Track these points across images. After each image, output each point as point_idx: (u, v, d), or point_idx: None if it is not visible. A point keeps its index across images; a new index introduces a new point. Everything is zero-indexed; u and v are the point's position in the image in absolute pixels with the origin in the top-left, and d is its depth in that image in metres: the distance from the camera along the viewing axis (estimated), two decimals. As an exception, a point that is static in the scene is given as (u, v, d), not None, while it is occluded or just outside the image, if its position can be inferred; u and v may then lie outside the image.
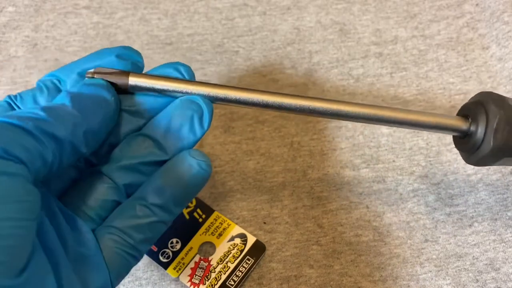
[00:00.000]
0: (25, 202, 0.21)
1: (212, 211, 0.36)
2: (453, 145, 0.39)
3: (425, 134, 0.40)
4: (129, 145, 0.28)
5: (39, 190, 0.22)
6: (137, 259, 0.27)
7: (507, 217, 0.37)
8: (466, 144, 0.30)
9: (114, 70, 0.27)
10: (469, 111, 0.30)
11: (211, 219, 0.36)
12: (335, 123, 0.40)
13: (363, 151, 0.39)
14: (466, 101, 0.41)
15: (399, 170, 0.39)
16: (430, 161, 0.39)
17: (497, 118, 0.29)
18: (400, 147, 0.40)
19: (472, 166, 0.39)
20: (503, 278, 0.34)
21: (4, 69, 0.42)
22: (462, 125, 0.30)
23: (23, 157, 0.21)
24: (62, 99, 0.25)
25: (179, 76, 0.28)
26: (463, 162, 0.39)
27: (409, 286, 0.34)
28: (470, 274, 0.35)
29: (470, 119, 0.30)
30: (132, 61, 0.29)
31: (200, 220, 0.36)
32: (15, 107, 0.28)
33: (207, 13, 0.45)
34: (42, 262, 0.21)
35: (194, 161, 0.27)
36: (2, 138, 0.21)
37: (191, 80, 0.29)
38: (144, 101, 0.28)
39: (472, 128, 0.30)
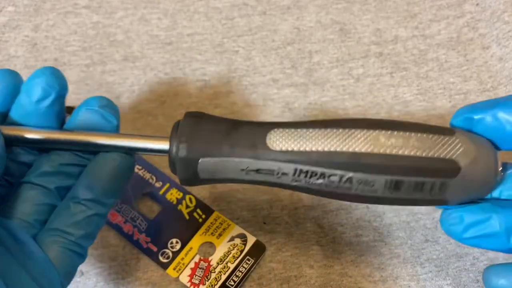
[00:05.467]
0: None
1: (212, 211, 0.36)
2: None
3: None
4: (50, 154, 0.29)
5: None
6: (82, 256, 0.27)
7: (507, 217, 0.37)
8: (171, 164, 0.28)
9: None
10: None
11: (211, 219, 0.36)
12: (335, 123, 0.40)
13: (363, 151, 0.39)
14: (466, 101, 0.42)
15: (399, 170, 0.39)
16: (430, 161, 0.39)
17: (182, 130, 0.27)
18: (400, 147, 0.39)
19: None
20: (503, 278, 0.34)
21: (3, 69, 0.42)
22: (163, 144, 0.28)
23: None
24: None
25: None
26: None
27: (409, 286, 0.34)
28: (471, 275, 0.35)
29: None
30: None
31: (200, 220, 0.36)
32: None
33: (207, 13, 0.45)
34: None
35: (115, 154, 0.28)
36: None
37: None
38: None
39: (170, 146, 0.27)
